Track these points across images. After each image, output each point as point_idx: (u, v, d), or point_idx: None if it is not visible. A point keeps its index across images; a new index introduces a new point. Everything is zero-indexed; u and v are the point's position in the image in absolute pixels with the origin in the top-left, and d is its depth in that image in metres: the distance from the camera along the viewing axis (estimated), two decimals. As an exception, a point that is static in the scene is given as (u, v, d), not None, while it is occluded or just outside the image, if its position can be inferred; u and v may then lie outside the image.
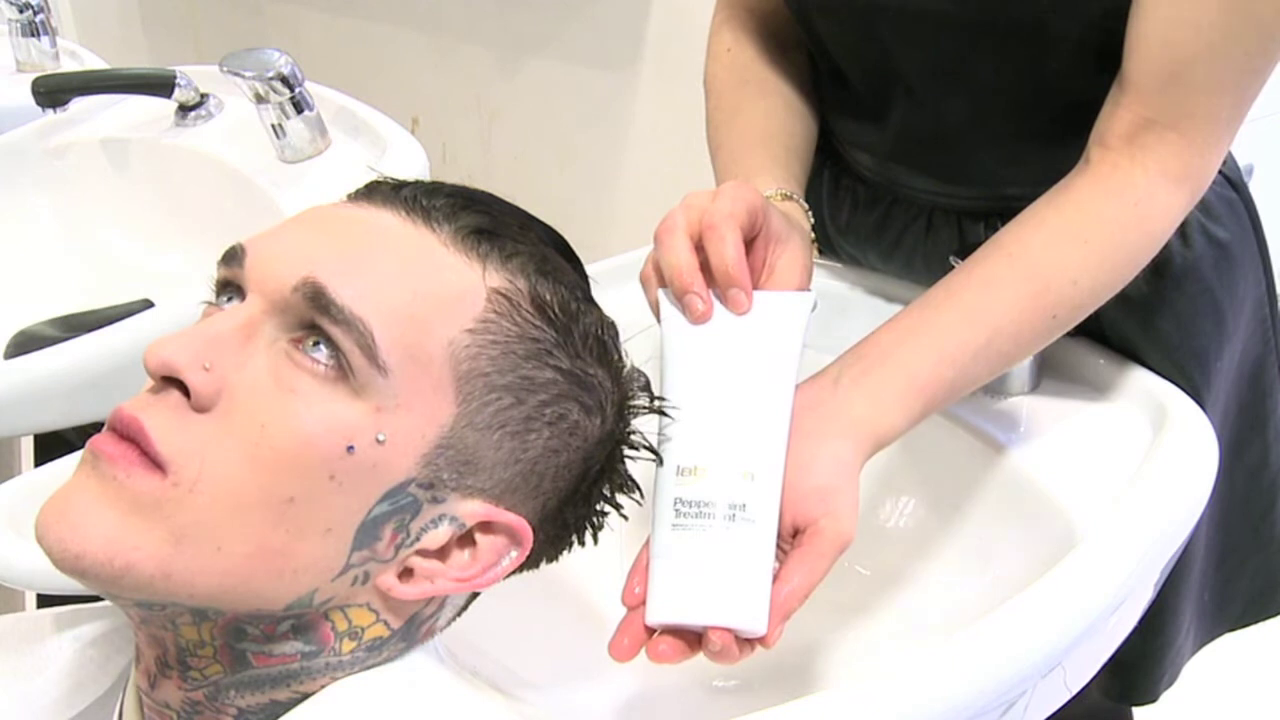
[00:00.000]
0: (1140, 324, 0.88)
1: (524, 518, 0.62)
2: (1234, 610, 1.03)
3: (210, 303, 0.62)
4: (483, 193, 0.64)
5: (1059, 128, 0.84)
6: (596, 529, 0.67)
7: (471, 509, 0.61)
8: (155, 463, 0.56)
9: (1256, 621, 1.05)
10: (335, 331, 0.57)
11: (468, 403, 0.59)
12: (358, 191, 0.64)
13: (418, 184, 0.64)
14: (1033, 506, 0.81)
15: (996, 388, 0.88)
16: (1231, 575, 1.00)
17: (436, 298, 0.59)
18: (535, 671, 0.81)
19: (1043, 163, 0.82)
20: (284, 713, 0.60)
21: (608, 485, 0.66)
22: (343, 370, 0.57)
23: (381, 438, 0.58)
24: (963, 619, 0.72)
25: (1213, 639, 1.04)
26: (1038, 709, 0.73)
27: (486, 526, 0.62)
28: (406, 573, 0.61)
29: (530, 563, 0.65)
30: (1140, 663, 0.98)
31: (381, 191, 0.63)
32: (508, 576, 0.64)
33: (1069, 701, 0.76)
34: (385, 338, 0.57)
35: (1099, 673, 0.79)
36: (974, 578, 0.83)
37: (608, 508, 0.67)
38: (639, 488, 0.67)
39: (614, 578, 0.88)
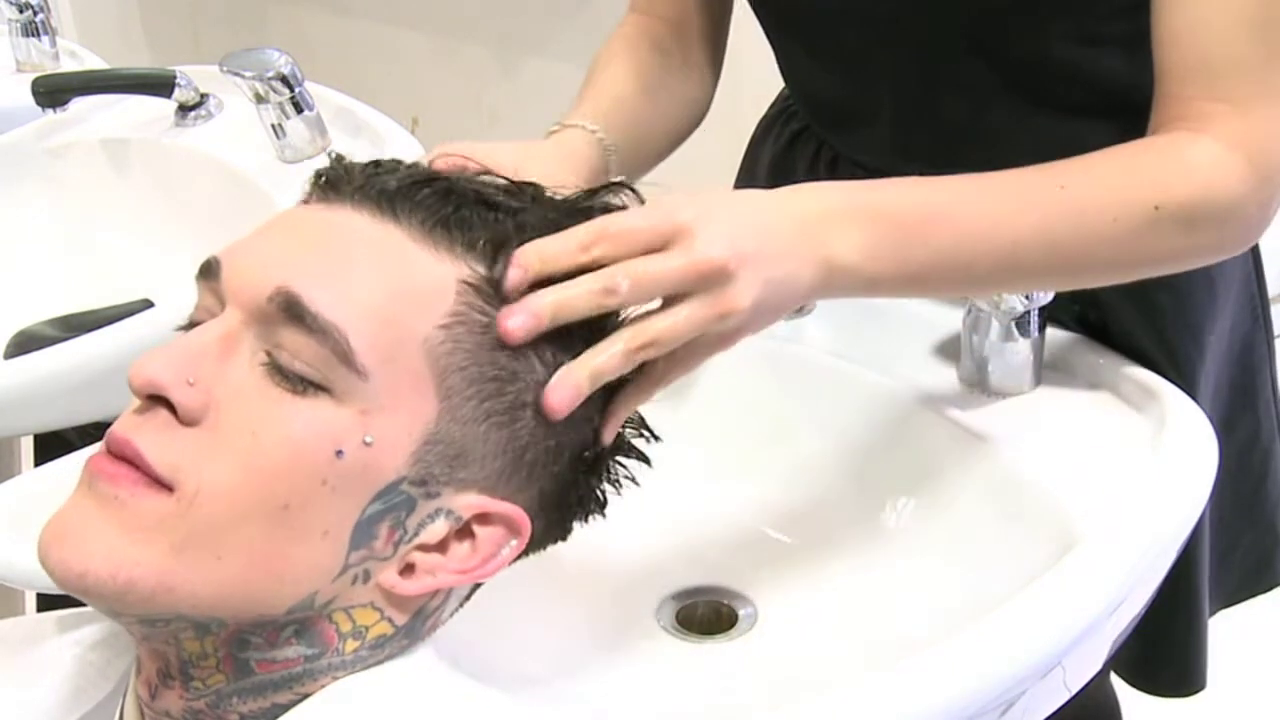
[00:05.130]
0: (1138, 298, 0.88)
1: (521, 505, 0.62)
2: (1228, 586, 1.03)
3: (187, 325, 0.62)
4: (452, 176, 0.64)
5: (1058, 107, 0.85)
6: (602, 505, 0.67)
7: (466, 502, 0.61)
8: (159, 482, 0.57)
9: (1250, 596, 1.05)
10: (311, 339, 0.57)
11: (450, 398, 0.60)
12: (323, 185, 0.64)
13: (379, 170, 0.63)
14: (1032, 506, 0.81)
15: (996, 388, 0.88)
16: (1225, 552, 1.00)
17: (408, 296, 0.59)
18: (536, 666, 0.81)
19: (1042, 136, 0.83)
20: (285, 714, 0.61)
21: (604, 465, 0.67)
22: (320, 382, 0.58)
23: (369, 440, 0.58)
24: (961, 619, 0.72)
25: (1210, 615, 1.05)
26: (1037, 709, 0.73)
27: (483, 518, 0.62)
28: (408, 568, 0.61)
29: (535, 546, 0.65)
30: (1188, 650, 0.99)
31: (349, 188, 0.62)
32: (513, 563, 0.64)
33: (1068, 701, 0.76)
34: (361, 342, 0.58)
35: (1099, 673, 0.79)
36: (972, 578, 0.83)
37: (608, 487, 0.67)
38: (646, 458, 0.68)
39: (615, 574, 0.88)
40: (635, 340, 0.62)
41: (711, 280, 0.62)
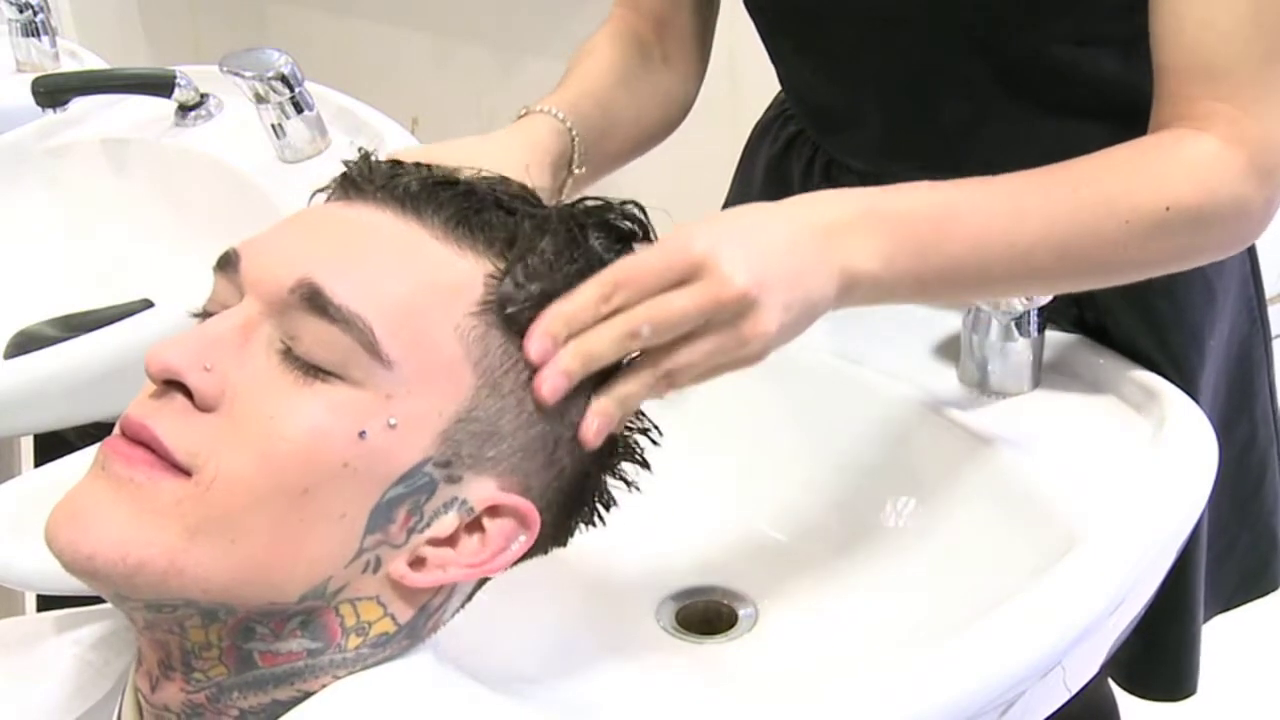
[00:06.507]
0: (1136, 302, 0.88)
1: (535, 495, 0.63)
2: (1225, 590, 1.04)
3: (201, 314, 0.62)
4: (469, 176, 0.64)
5: (1055, 108, 0.86)
6: (607, 504, 0.68)
7: (482, 492, 0.61)
8: (177, 466, 0.57)
9: (1247, 600, 1.05)
10: (334, 329, 0.57)
11: (489, 373, 0.61)
12: (344, 184, 0.64)
13: (400, 172, 0.64)
14: (1032, 507, 0.82)
15: (996, 388, 0.88)
16: (1222, 555, 1.01)
17: (434, 288, 0.60)
18: (536, 667, 0.81)
19: (1038, 138, 0.83)
20: (285, 712, 0.61)
21: (616, 457, 0.67)
22: (337, 371, 0.58)
23: (393, 422, 0.58)
24: (961, 619, 0.72)
25: (1207, 620, 1.05)
26: (1037, 709, 0.73)
27: (494, 510, 0.62)
28: (418, 562, 0.61)
29: (536, 549, 0.65)
30: (1181, 654, 0.99)
31: (371, 187, 0.63)
32: (516, 563, 0.64)
33: (1068, 702, 0.76)
34: (386, 331, 0.58)
35: (1099, 673, 0.79)
36: (972, 578, 0.83)
37: (609, 496, 0.68)
38: (646, 463, 0.68)
39: (615, 574, 0.88)
40: (659, 371, 0.63)
41: (734, 309, 0.62)
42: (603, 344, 0.61)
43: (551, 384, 0.61)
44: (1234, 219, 0.75)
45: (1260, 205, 0.75)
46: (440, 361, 0.59)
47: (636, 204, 0.66)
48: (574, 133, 0.86)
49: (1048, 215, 0.71)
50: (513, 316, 0.61)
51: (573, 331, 0.61)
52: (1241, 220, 0.75)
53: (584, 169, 0.86)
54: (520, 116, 0.86)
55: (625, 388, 0.63)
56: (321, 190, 0.66)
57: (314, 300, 0.58)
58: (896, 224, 0.68)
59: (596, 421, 0.63)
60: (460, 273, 0.61)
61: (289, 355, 0.58)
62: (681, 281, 0.62)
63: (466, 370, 0.60)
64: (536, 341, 0.61)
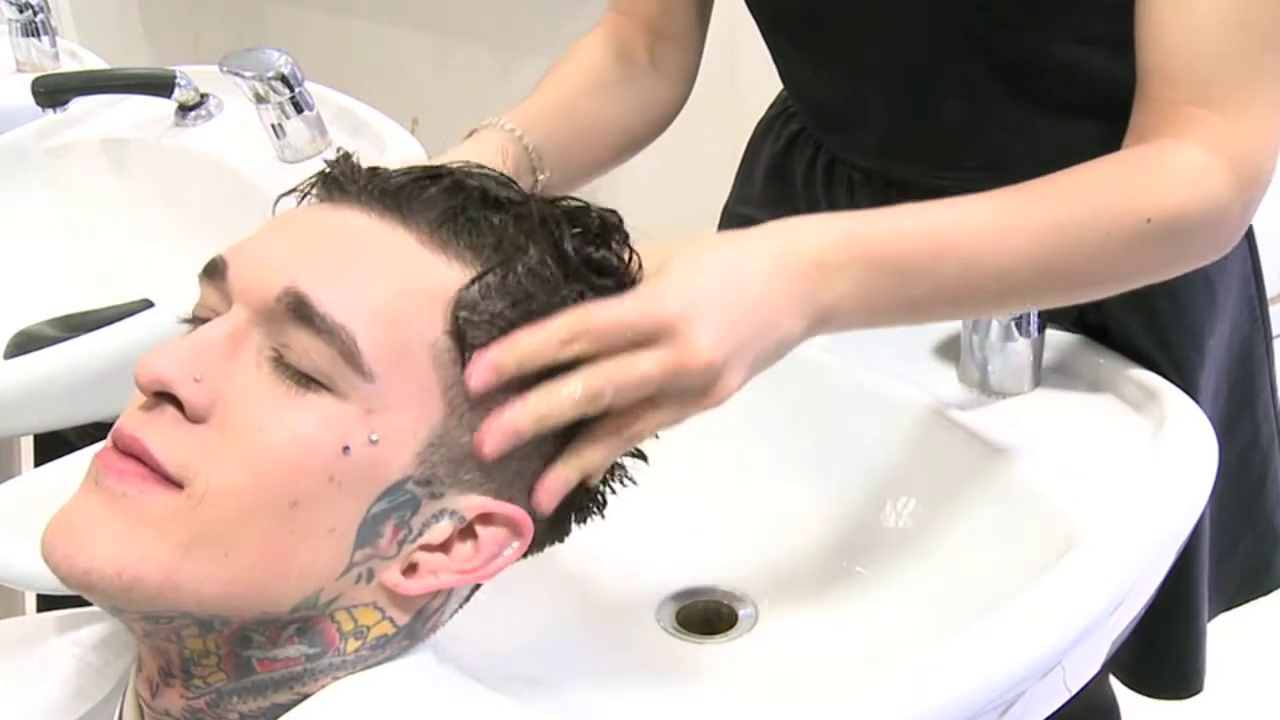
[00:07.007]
0: (1137, 302, 0.88)
1: (523, 507, 0.62)
2: (1228, 589, 1.04)
3: (190, 319, 0.62)
4: (457, 172, 0.63)
5: (1054, 107, 0.86)
6: (601, 507, 0.67)
7: (470, 502, 0.61)
8: (168, 479, 0.57)
9: (1250, 599, 1.05)
10: (319, 340, 0.57)
11: (455, 405, 0.60)
12: (328, 185, 0.63)
13: (384, 175, 0.63)
14: (1032, 507, 0.82)
15: (996, 388, 0.88)
16: (1224, 555, 1.01)
17: (416, 299, 0.59)
18: (536, 667, 0.81)
19: (1038, 136, 0.83)
20: (285, 714, 0.61)
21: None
22: (325, 382, 0.58)
23: (374, 438, 0.58)
24: (961, 619, 0.72)
25: (1209, 619, 1.05)
26: (1037, 709, 0.73)
27: (486, 518, 0.62)
28: (411, 568, 0.61)
29: (534, 548, 0.65)
30: (1186, 652, 0.99)
31: (354, 188, 0.62)
32: (516, 562, 0.64)
33: (1068, 701, 0.76)
34: (369, 343, 0.58)
35: (1099, 673, 0.79)
36: (972, 578, 0.83)
37: (607, 490, 0.67)
38: (644, 455, 0.68)
39: (616, 574, 0.88)
40: (623, 438, 0.62)
41: (699, 377, 0.62)
42: (562, 406, 0.60)
43: (495, 440, 0.59)
44: (1215, 227, 0.76)
45: (1238, 211, 0.76)
46: (415, 380, 0.59)
47: (616, 213, 0.65)
48: (525, 140, 0.86)
49: (1032, 232, 0.71)
50: (466, 324, 0.59)
51: (524, 369, 0.59)
52: (1220, 228, 0.76)
53: (547, 174, 0.86)
54: (472, 132, 0.86)
55: (588, 456, 0.62)
56: (289, 193, 0.65)
57: (299, 310, 0.58)
58: (877, 256, 0.68)
59: (553, 489, 0.62)
60: (443, 283, 0.60)
61: (280, 363, 0.58)
62: (648, 340, 0.61)
63: (436, 395, 0.59)
64: (481, 372, 0.59)
